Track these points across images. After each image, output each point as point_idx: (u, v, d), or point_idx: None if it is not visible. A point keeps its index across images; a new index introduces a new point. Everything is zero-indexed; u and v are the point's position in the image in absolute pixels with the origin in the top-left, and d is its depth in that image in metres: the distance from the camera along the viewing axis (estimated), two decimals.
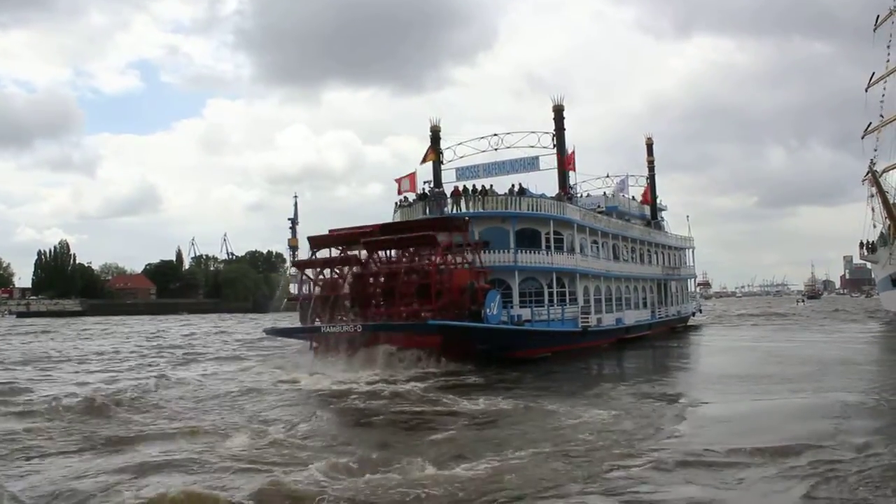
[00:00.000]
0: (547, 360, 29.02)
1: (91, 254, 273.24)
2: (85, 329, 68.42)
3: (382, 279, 29.86)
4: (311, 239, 32.31)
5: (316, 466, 11.04)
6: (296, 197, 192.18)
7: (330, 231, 32.57)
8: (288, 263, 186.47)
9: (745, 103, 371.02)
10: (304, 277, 31.74)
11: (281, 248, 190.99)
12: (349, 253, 30.52)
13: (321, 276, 31.25)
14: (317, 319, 29.76)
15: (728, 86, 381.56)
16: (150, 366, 29.42)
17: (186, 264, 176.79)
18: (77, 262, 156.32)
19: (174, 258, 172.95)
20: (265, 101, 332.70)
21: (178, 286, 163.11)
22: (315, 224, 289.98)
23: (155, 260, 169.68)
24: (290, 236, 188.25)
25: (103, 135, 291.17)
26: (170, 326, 71.67)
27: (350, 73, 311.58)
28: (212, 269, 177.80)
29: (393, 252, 30.83)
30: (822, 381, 20.62)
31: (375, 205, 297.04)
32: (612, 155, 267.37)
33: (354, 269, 30.26)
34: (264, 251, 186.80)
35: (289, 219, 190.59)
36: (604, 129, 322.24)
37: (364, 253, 30.20)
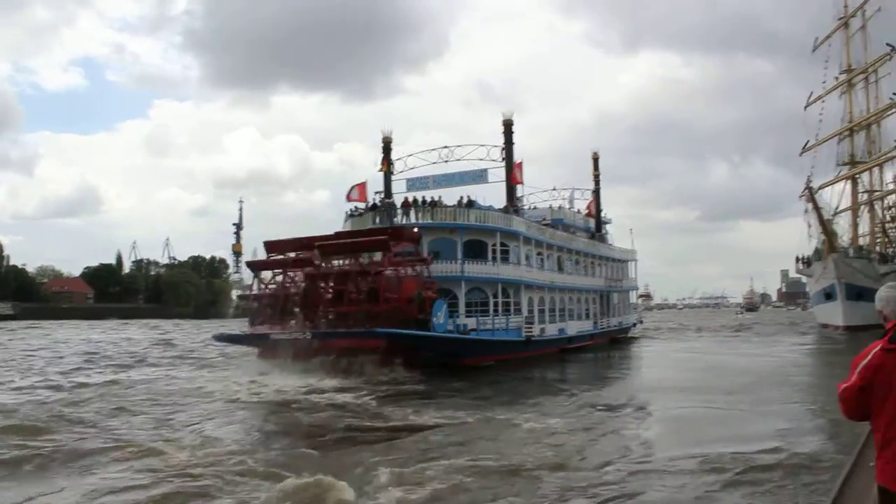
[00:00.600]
0: (492, 369, 29.87)
1: (26, 255, 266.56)
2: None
3: (332, 286, 30.52)
4: (267, 244, 32.85)
5: (249, 489, 10.80)
6: (241, 202, 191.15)
7: (265, 243, 33.09)
8: (231, 269, 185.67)
9: (691, 119, 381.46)
10: (253, 285, 32.34)
11: (225, 253, 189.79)
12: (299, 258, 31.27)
13: (273, 283, 31.82)
14: (266, 326, 30.38)
15: (674, 101, 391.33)
16: (75, 375, 28.62)
17: (127, 268, 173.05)
18: (10, 263, 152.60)
19: (114, 262, 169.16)
20: (213, 103, 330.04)
21: (118, 290, 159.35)
22: (260, 230, 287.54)
23: (94, 263, 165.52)
24: (234, 241, 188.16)
25: (43, 133, 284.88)
26: (100, 335, 67.31)
27: (300, 77, 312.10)
28: (153, 273, 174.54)
29: (345, 262, 31.35)
30: (759, 392, 21.51)
31: (323, 212, 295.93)
32: (560, 165, 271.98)
33: (306, 274, 30.94)
34: (207, 256, 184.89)
35: (233, 224, 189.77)
36: (552, 139, 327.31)
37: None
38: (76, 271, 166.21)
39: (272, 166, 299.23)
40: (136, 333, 68.73)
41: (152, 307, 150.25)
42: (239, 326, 35.36)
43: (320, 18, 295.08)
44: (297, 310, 30.33)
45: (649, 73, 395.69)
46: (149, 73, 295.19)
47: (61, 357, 37.87)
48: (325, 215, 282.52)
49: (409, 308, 28.86)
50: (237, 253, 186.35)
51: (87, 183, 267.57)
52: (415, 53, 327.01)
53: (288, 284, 31.21)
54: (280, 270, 31.74)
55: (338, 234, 32.66)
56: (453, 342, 30.17)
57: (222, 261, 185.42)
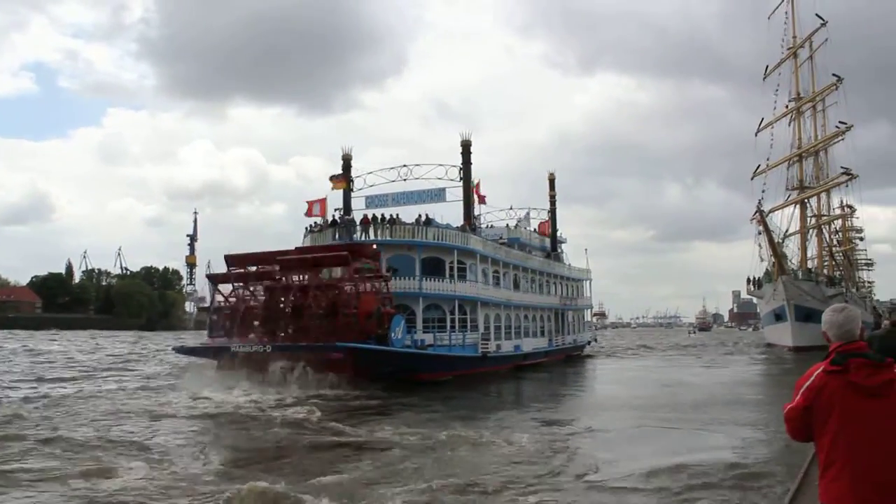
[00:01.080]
0: (449, 384, 30.24)
1: None
2: None
3: (292, 300, 30.53)
4: (228, 257, 32.32)
5: None
6: (196, 213, 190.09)
7: (226, 257, 32.56)
8: (185, 281, 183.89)
9: (646, 140, 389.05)
10: (212, 297, 32.20)
11: (178, 264, 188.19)
12: (260, 271, 31.28)
13: (232, 296, 31.68)
14: (225, 338, 30.28)
15: (630, 123, 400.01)
16: (16, 387, 27.64)
17: (77, 278, 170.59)
18: None
19: (64, 271, 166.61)
20: (169, 113, 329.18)
21: (67, 301, 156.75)
22: (215, 242, 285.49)
23: (43, 272, 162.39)
24: (188, 253, 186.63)
25: None
26: (48, 346, 64.49)
27: (256, 89, 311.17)
28: (104, 283, 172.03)
29: (305, 276, 31.36)
30: (710, 410, 21.93)
31: (279, 224, 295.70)
32: (517, 185, 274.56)
33: (266, 288, 31.01)
34: (160, 267, 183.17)
35: (188, 235, 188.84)
36: (509, 158, 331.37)
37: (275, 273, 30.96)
38: (24, 280, 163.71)
39: (228, 178, 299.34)
40: (87, 344, 67.42)
41: (103, 318, 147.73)
42: (196, 338, 34.87)
43: (278, 31, 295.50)
44: (256, 323, 30.33)
45: (605, 94, 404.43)
46: (103, 81, 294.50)
47: None
48: (282, 228, 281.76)
49: (368, 323, 29.07)
50: (191, 264, 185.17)
51: (38, 190, 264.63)
52: (373, 69, 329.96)
53: (248, 297, 31.19)
54: (241, 284, 31.59)
55: (298, 250, 32.75)
56: (411, 357, 30.44)
57: (176, 272, 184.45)
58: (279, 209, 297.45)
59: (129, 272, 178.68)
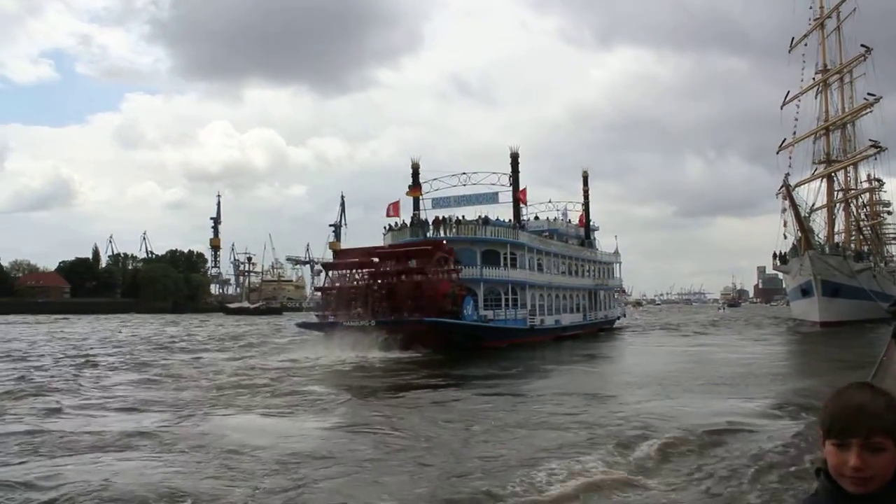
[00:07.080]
0: (505, 350, 41.96)
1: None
2: None
3: (387, 285, 42.67)
4: (324, 265, 45.59)
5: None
6: (219, 196, 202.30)
7: (334, 251, 45.73)
8: (210, 263, 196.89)
9: (665, 115, 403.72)
10: (326, 282, 45.15)
11: (202, 247, 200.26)
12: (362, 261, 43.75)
13: (337, 282, 44.46)
14: (332, 316, 42.82)
15: (649, 97, 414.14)
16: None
17: (104, 262, 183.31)
18: None
19: (90, 256, 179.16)
20: (184, 96, 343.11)
21: (94, 285, 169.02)
22: (238, 223, 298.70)
23: (69, 258, 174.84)
24: (211, 236, 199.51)
25: (14, 125, 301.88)
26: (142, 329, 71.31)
27: (271, 69, 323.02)
28: (130, 268, 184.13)
29: (397, 266, 43.06)
30: (738, 384, 23.67)
31: (299, 206, 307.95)
32: (536, 161, 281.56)
33: (365, 275, 43.46)
34: (185, 250, 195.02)
35: (211, 218, 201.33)
36: (526, 136, 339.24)
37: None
38: (52, 265, 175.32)
39: (247, 160, 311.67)
40: (169, 328, 73.95)
41: (129, 301, 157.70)
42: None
43: (289, 8, 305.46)
44: (356, 303, 42.22)
45: (623, 69, 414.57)
46: (118, 66, 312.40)
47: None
48: (303, 209, 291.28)
49: (445, 302, 41.00)
50: (215, 247, 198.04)
51: (59, 176, 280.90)
52: (388, 47, 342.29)
53: (352, 281, 43.77)
54: (346, 271, 44.36)
55: (390, 246, 45.84)
56: (478, 329, 42.89)
57: (200, 255, 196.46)
58: (299, 191, 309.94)
59: (154, 256, 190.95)
